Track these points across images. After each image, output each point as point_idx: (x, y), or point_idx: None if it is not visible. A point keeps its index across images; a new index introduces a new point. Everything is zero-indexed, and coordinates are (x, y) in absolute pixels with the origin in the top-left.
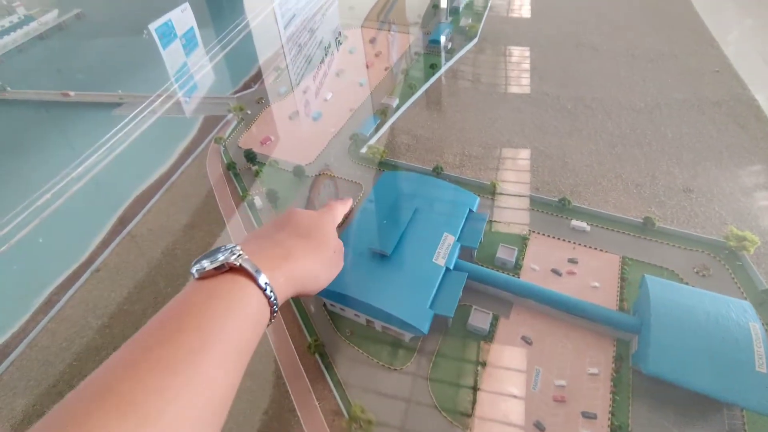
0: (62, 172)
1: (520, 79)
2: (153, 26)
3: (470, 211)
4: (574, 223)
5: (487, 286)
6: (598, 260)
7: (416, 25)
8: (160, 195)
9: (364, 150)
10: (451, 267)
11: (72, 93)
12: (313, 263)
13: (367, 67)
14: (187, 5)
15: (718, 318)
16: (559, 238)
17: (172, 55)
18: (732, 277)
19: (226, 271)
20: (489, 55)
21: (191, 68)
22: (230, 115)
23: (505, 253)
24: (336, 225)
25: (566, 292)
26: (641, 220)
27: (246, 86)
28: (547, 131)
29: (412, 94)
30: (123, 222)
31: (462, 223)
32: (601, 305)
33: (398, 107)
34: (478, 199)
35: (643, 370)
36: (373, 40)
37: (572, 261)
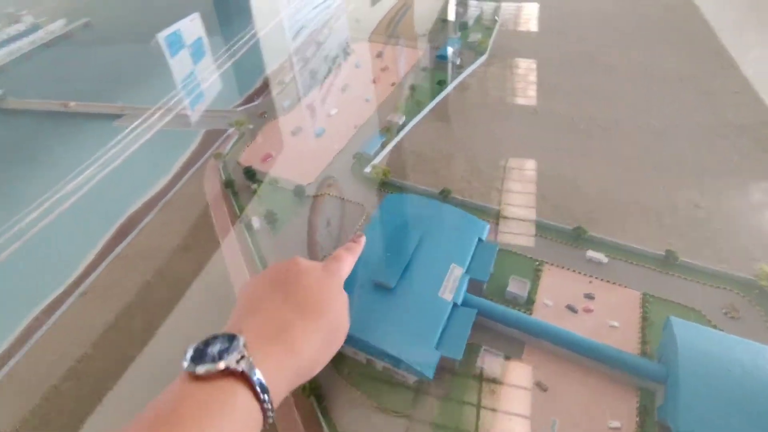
0: (56, 186)
1: (531, 97)
2: (162, 35)
3: (479, 239)
4: (590, 254)
5: (497, 323)
6: (617, 296)
7: (424, 37)
8: (155, 213)
9: (368, 170)
10: (459, 302)
11: (72, 103)
12: (315, 349)
13: (374, 82)
14: (196, 15)
15: (753, 369)
16: (574, 270)
17: (178, 65)
18: (764, 320)
19: (226, 373)
20: (499, 72)
21: (197, 79)
22: (231, 130)
23: (516, 287)
24: (343, 281)
25: (582, 332)
26: (663, 253)
27: (249, 99)
28: (560, 152)
29: (419, 111)
30: (116, 240)
31: (471, 253)
32: (621, 349)
33: (404, 124)
34: (488, 226)
35: (673, 429)
36: (380, 55)
37: (589, 296)
